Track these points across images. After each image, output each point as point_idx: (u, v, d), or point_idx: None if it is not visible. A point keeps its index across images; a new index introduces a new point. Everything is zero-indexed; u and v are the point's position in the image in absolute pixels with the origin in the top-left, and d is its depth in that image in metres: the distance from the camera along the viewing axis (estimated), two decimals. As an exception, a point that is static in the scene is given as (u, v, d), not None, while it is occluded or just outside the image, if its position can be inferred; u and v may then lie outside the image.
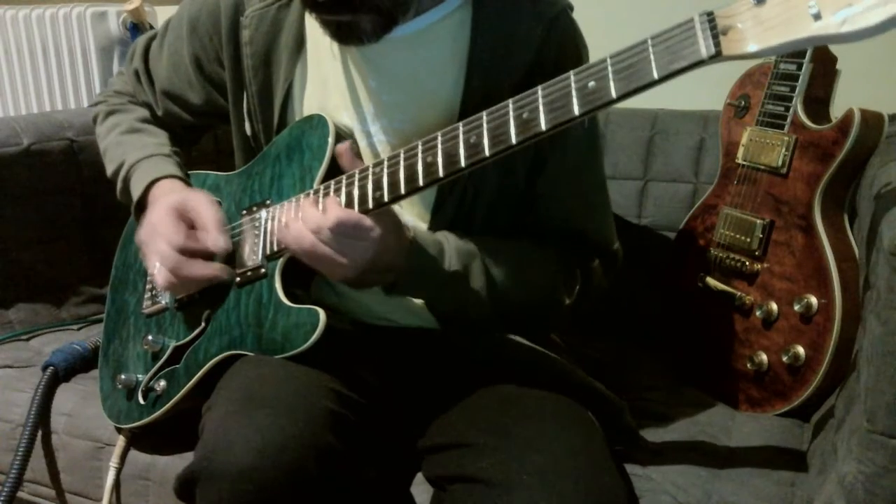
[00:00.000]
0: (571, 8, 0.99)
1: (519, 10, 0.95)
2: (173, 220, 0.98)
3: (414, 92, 0.97)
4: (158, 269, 0.98)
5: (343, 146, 0.91)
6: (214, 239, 0.97)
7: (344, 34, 0.91)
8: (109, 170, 1.15)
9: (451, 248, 0.94)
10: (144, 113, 1.20)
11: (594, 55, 0.78)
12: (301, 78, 1.03)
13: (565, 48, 0.96)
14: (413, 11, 0.94)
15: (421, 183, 0.83)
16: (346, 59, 0.99)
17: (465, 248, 0.94)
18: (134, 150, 1.12)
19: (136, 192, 1.09)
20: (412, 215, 1.00)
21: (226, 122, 1.12)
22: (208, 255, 0.99)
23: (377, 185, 0.87)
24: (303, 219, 0.87)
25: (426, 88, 0.97)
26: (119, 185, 1.14)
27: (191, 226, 1.00)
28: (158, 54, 1.16)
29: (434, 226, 0.98)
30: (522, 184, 1.00)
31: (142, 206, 1.08)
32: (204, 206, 1.00)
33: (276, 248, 0.97)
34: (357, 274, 0.87)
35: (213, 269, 0.98)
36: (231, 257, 1.01)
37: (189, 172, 1.15)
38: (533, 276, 0.99)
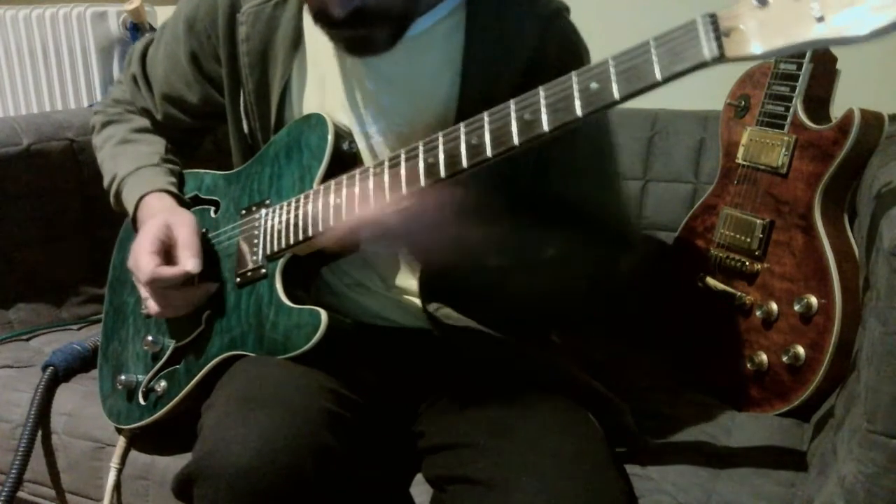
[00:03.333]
0: (567, 10, 0.99)
1: (514, 11, 0.95)
2: (152, 253, 0.99)
3: (411, 95, 0.97)
4: (147, 300, 1.02)
5: None
6: (185, 264, 0.99)
7: (358, 48, 0.91)
8: (105, 182, 1.15)
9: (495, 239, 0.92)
10: (141, 122, 1.19)
11: (595, 57, 0.78)
12: (299, 76, 1.03)
13: (564, 47, 0.96)
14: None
15: (422, 184, 0.83)
16: (345, 61, 0.99)
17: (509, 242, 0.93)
18: (125, 164, 1.12)
19: (129, 210, 1.10)
20: None
21: (225, 121, 1.12)
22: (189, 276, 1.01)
23: (378, 186, 0.87)
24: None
25: (423, 91, 0.97)
26: (112, 199, 1.14)
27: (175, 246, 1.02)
28: (155, 57, 1.16)
29: None
30: (528, 179, 0.98)
31: (135, 221, 1.09)
32: (180, 229, 1.01)
33: (276, 248, 0.97)
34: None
35: (194, 293, 1.01)
36: (231, 258, 1.01)
37: (187, 172, 1.15)
38: (565, 268, 0.98)
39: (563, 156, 0.96)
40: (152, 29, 2.07)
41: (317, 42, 1.01)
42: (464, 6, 0.95)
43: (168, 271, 0.98)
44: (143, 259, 0.98)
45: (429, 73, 0.97)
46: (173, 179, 1.11)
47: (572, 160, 0.98)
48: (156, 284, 0.98)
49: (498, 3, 0.95)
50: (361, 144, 1.00)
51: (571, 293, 1.01)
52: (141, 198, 1.07)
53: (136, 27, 2.06)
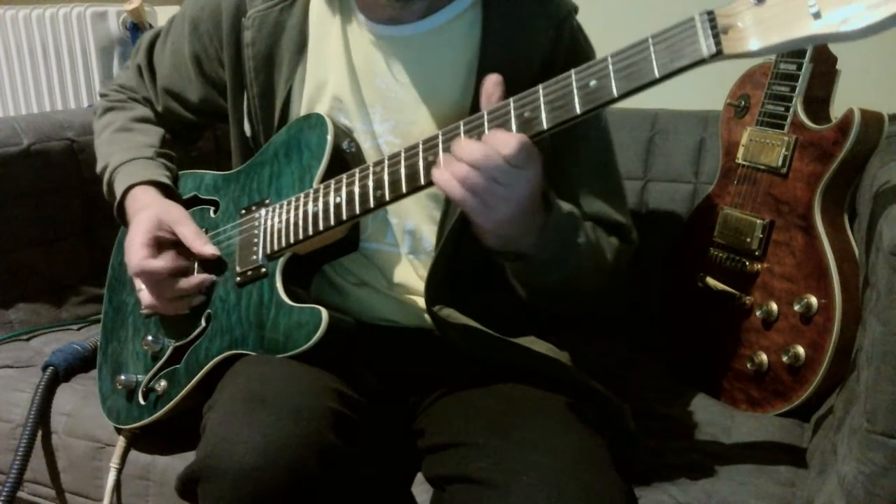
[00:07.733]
0: (577, 9, 1.00)
1: (528, 11, 0.95)
2: (149, 249, 1.01)
3: (423, 93, 0.97)
4: (144, 296, 1.04)
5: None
6: (202, 250, 1.02)
7: None
8: (98, 168, 1.16)
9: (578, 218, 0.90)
10: (142, 111, 1.20)
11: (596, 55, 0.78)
12: (301, 80, 1.03)
13: (573, 50, 0.97)
14: (425, 11, 0.94)
15: (422, 182, 0.83)
16: (353, 60, 0.99)
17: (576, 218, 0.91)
18: (119, 152, 1.13)
19: (116, 198, 1.11)
20: (421, 215, 1.01)
21: (224, 121, 1.12)
22: (187, 268, 1.04)
23: (378, 185, 0.87)
24: (464, 154, 0.78)
25: (436, 89, 0.97)
26: (105, 187, 1.15)
27: (169, 240, 1.04)
28: (161, 51, 1.17)
29: (446, 225, 0.97)
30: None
31: (122, 211, 1.11)
32: (178, 222, 1.03)
33: (276, 248, 0.97)
34: (513, 213, 0.79)
35: (192, 283, 1.02)
36: (231, 258, 1.01)
37: (186, 172, 1.16)
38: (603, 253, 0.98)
39: (570, 170, 0.97)
40: (152, 28, 2.08)
41: (321, 45, 1.01)
42: (479, 4, 0.96)
43: (156, 264, 1.00)
44: (132, 251, 1.01)
45: (442, 71, 0.97)
46: (167, 172, 1.12)
47: (578, 176, 0.99)
48: (143, 277, 1.01)
49: (512, 3, 0.95)
50: (367, 144, 1.01)
51: (583, 295, 1.00)
52: (129, 188, 1.09)
53: (136, 27, 2.06)
